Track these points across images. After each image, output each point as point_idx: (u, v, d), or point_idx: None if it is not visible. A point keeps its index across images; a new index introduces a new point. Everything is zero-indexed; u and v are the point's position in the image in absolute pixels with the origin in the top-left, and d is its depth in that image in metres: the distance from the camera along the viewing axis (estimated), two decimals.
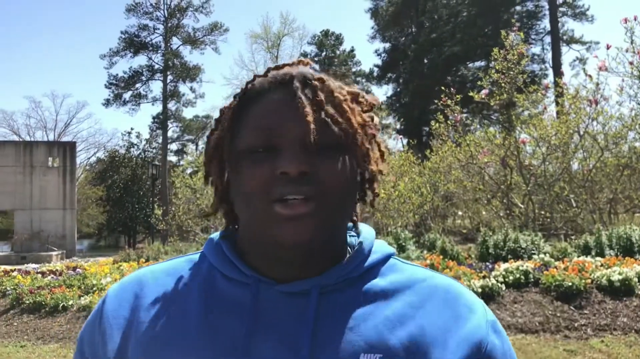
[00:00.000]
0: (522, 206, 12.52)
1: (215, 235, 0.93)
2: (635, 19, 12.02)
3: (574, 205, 12.29)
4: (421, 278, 0.88)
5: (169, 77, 42.83)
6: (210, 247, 0.91)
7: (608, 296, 6.69)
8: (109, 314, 0.88)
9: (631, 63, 12.17)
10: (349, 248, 0.89)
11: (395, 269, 0.89)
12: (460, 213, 18.24)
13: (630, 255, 8.31)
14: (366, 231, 0.92)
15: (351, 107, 0.83)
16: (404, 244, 10.35)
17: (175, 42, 43.62)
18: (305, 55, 46.26)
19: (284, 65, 0.87)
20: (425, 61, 43.79)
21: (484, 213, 14.21)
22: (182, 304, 0.85)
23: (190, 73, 43.20)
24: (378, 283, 0.85)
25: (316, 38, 48.31)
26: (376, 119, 0.89)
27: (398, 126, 44.22)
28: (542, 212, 12.02)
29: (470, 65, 42.15)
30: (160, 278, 0.90)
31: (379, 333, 0.79)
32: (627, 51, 12.20)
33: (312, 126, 0.76)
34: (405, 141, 30.01)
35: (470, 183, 13.41)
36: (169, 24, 42.63)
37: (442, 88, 12.58)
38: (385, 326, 0.80)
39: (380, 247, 0.91)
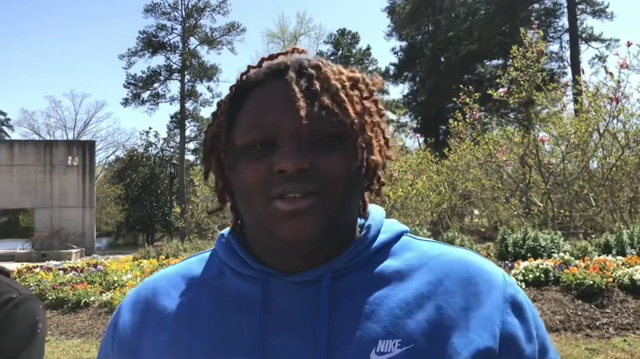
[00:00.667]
0: (541, 205, 12.43)
1: (226, 230, 0.91)
2: None
3: (594, 203, 12.17)
4: (437, 253, 0.83)
5: (187, 77, 43.13)
6: (220, 243, 0.89)
7: (630, 295, 6.62)
8: (124, 324, 0.87)
9: None
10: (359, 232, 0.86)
11: (409, 247, 0.85)
12: (476, 212, 18.14)
13: None
14: (375, 211, 0.88)
15: (349, 94, 0.79)
16: None
17: (193, 42, 43.94)
18: (321, 54, 46.16)
19: (278, 54, 0.84)
20: (442, 59, 43.60)
21: (502, 211, 14.13)
22: (194, 304, 0.83)
23: (208, 73, 43.47)
24: (391, 263, 0.82)
25: (332, 37, 48.32)
26: (380, 104, 0.85)
27: (415, 124, 44.10)
28: (562, 211, 11.92)
29: (488, 63, 41.89)
30: (173, 281, 0.88)
31: (396, 317, 0.76)
32: None
33: (305, 120, 0.73)
34: (422, 139, 29.94)
35: (489, 182, 13.34)
36: (187, 24, 42.90)
37: (460, 86, 12.53)
38: (402, 310, 0.77)
39: (391, 226, 0.87)
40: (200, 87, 46.79)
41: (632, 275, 6.74)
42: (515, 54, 12.22)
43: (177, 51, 43.12)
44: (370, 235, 0.83)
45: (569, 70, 37.47)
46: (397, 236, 0.86)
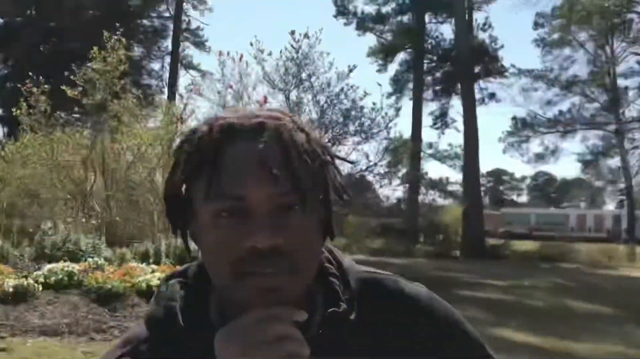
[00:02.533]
0: (99, 209, 12.36)
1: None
2: (228, 54, 13.33)
3: (144, 214, 12.70)
4: None
5: None
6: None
7: (145, 299, 6.94)
8: None
9: (219, 92, 13.44)
10: None
11: None
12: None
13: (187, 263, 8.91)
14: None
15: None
16: None
17: None
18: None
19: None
20: (42, 49, 40.50)
21: (59, 212, 13.50)
22: None
23: None
24: None
25: None
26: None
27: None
28: (117, 218, 12.06)
29: (90, 64, 40.75)
30: None
31: None
32: (218, 81, 13.44)
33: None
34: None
35: (50, 181, 12.64)
36: None
37: (30, 73, 11.66)
38: None
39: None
40: None
41: (149, 281, 7.10)
42: (95, 55, 12.04)
43: None
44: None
45: (166, 89, 39.27)
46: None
